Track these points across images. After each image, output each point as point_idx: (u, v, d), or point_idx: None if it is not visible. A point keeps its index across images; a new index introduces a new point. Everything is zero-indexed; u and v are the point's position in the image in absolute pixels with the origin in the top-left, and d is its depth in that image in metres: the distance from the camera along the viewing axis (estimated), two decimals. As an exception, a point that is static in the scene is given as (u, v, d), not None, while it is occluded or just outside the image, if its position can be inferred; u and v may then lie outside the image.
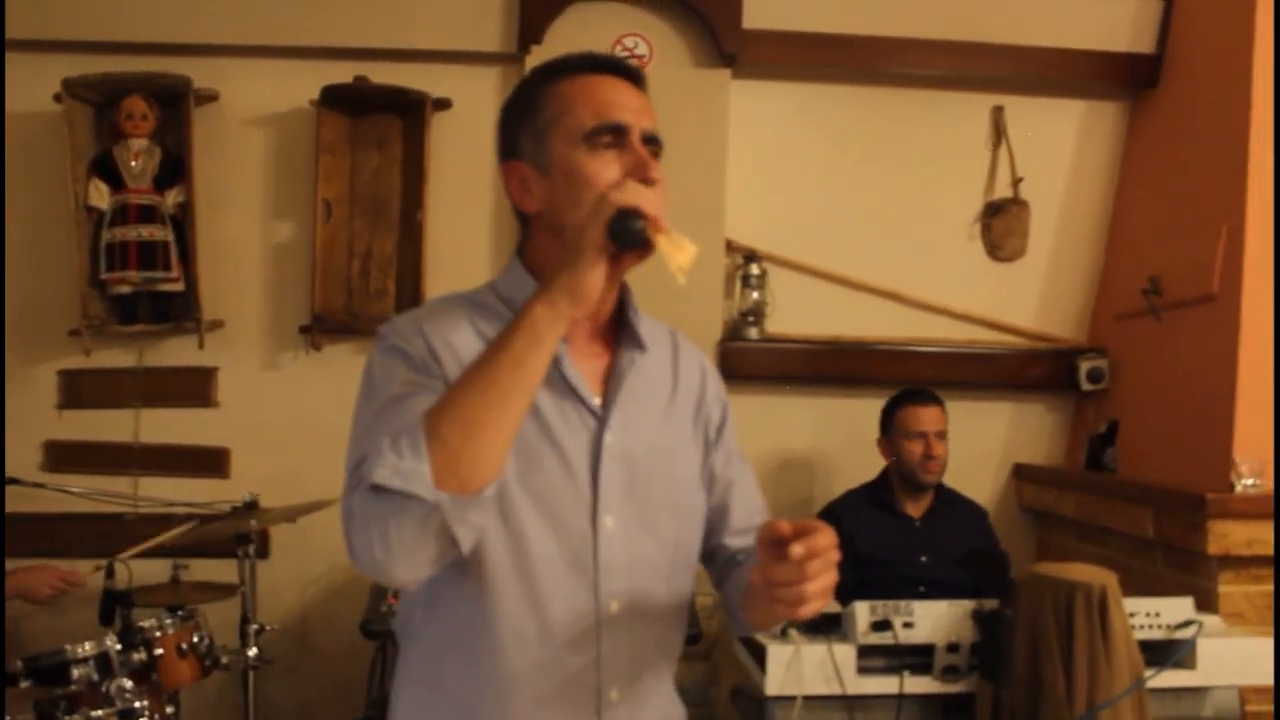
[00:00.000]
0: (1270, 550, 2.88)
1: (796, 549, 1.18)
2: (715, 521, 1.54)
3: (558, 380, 1.37)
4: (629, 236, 1.20)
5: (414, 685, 1.43)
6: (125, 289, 3.54)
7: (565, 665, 1.36)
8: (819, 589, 1.22)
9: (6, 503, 3.46)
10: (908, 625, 2.53)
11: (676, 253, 1.21)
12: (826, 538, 1.21)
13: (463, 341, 1.35)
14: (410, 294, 3.63)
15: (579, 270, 1.20)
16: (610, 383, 1.41)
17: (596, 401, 1.40)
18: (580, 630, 1.36)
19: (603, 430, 1.38)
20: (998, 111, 3.86)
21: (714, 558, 1.56)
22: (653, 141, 1.37)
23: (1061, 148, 3.90)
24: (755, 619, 1.48)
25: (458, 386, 1.20)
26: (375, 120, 3.69)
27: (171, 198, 3.54)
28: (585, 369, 1.41)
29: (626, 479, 1.39)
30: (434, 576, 1.25)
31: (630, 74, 1.41)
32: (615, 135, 1.34)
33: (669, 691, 1.52)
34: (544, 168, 1.37)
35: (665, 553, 1.44)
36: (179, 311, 3.59)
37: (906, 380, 3.55)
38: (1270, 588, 2.93)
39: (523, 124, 1.40)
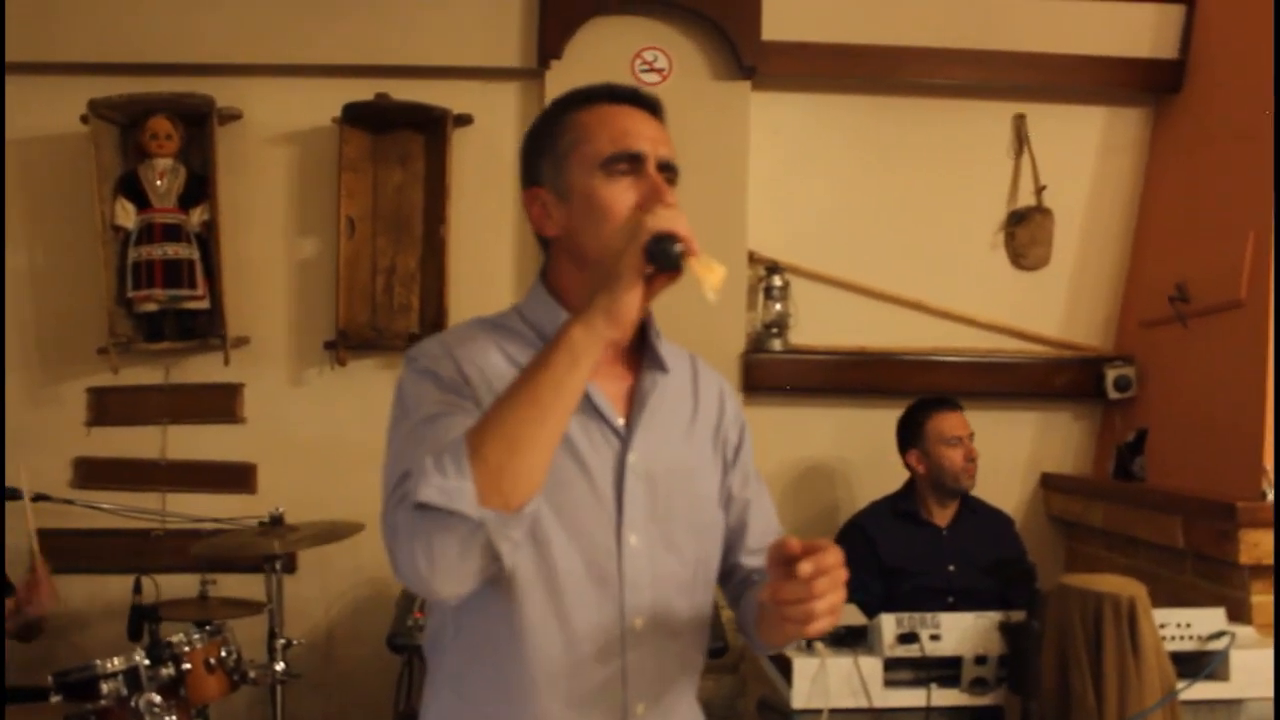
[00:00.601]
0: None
1: (805, 567, 1.22)
2: (732, 540, 1.57)
3: (583, 401, 1.38)
4: (666, 259, 1.23)
5: (443, 696, 1.44)
6: (151, 307, 3.57)
7: (592, 679, 1.38)
8: (827, 607, 1.24)
9: (38, 518, 3.49)
10: (934, 637, 2.51)
11: (708, 274, 1.24)
12: (834, 556, 1.24)
13: (491, 365, 1.38)
14: (434, 309, 3.65)
15: (617, 293, 1.23)
16: (633, 403, 1.45)
17: (620, 422, 1.43)
18: (606, 645, 1.38)
19: (626, 450, 1.41)
20: (1019, 119, 3.84)
21: (730, 577, 1.59)
22: (669, 169, 1.42)
23: (1084, 155, 3.88)
24: (768, 638, 1.50)
25: (499, 406, 1.23)
26: (397, 137, 3.71)
27: (196, 216, 3.57)
28: (609, 390, 1.44)
29: (649, 498, 1.41)
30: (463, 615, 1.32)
31: (647, 104, 1.45)
32: (631, 163, 1.38)
33: (693, 706, 1.53)
34: (563, 194, 1.41)
35: (687, 570, 1.47)
36: (204, 329, 3.62)
37: (931, 390, 3.54)
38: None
39: (543, 151, 1.44)
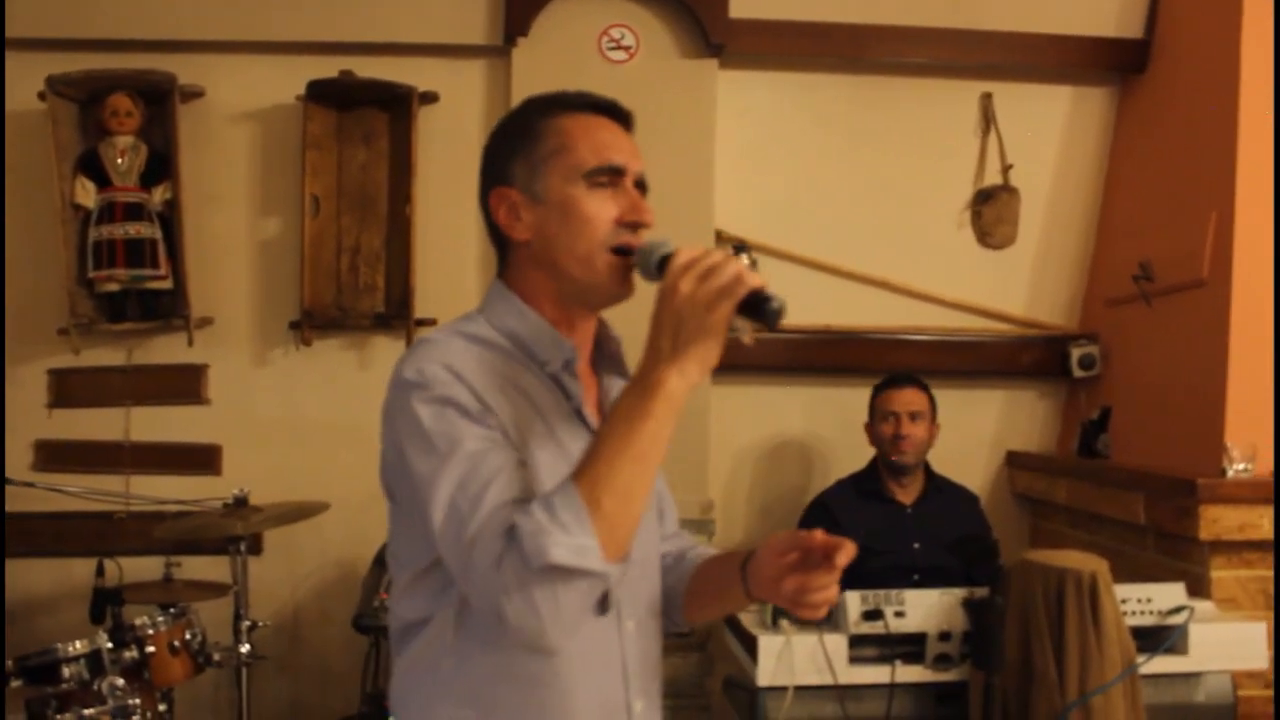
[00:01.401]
0: (1262, 535, 2.88)
1: (842, 559, 1.34)
2: None
3: (574, 418, 1.42)
4: (769, 315, 1.25)
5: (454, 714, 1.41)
6: (113, 287, 3.53)
7: (602, 688, 1.42)
8: (835, 593, 1.40)
9: (-2, 503, 3.46)
10: (899, 614, 2.53)
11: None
12: (852, 549, 1.34)
13: (497, 387, 1.36)
14: (399, 289, 3.62)
15: (710, 345, 1.24)
16: (603, 410, 1.48)
17: (596, 426, 1.43)
18: (608, 650, 1.43)
19: None
20: (986, 98, 3.85)
21: None
22: (641, 185, 1.44)
23: (1051, 134, 3.89)
24: (699, 615, 1.61)
25: (604, 456, 1.23)
26: (362, 114, 3.68)
27: (158, 195, 3.53)
28: (587, 399, 1.47)
29: None
30: (468, 619, 1.34)
31: (625, 118, 1.47)
32: (612, 176, 1.40)
33: (660, 686, 1.57)
34: (538, 197, 1.40)
35: (653, 561, 1.54)
36: (167, 309, 3.58)
37: (896, 368, 3.55)
38: (1262, 572, 2.93)
39: (517, 152, 1.43)
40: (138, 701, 2.79)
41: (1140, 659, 2.46)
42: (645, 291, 1.37)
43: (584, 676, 1.39)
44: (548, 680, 1.37)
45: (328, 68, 3.56)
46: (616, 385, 1.50)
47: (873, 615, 2.52)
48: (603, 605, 1.26)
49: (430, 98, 3.63)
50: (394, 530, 1.43)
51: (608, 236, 1.38)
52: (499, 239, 1.47)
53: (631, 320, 1.47)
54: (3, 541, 3.20)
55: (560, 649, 1.28)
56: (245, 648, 3.09)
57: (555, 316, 1.44)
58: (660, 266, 1.30)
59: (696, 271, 1.25)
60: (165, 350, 3.66)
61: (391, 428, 1.35)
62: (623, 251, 1.38)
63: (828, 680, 2.53)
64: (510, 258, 1.47)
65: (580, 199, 1.38)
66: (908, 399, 3.35)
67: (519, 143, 1.43)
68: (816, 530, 1.36)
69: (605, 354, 1.53)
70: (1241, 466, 2.92)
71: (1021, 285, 3.90)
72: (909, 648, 2.56)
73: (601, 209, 1.38)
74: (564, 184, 1.39)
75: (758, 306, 1.25)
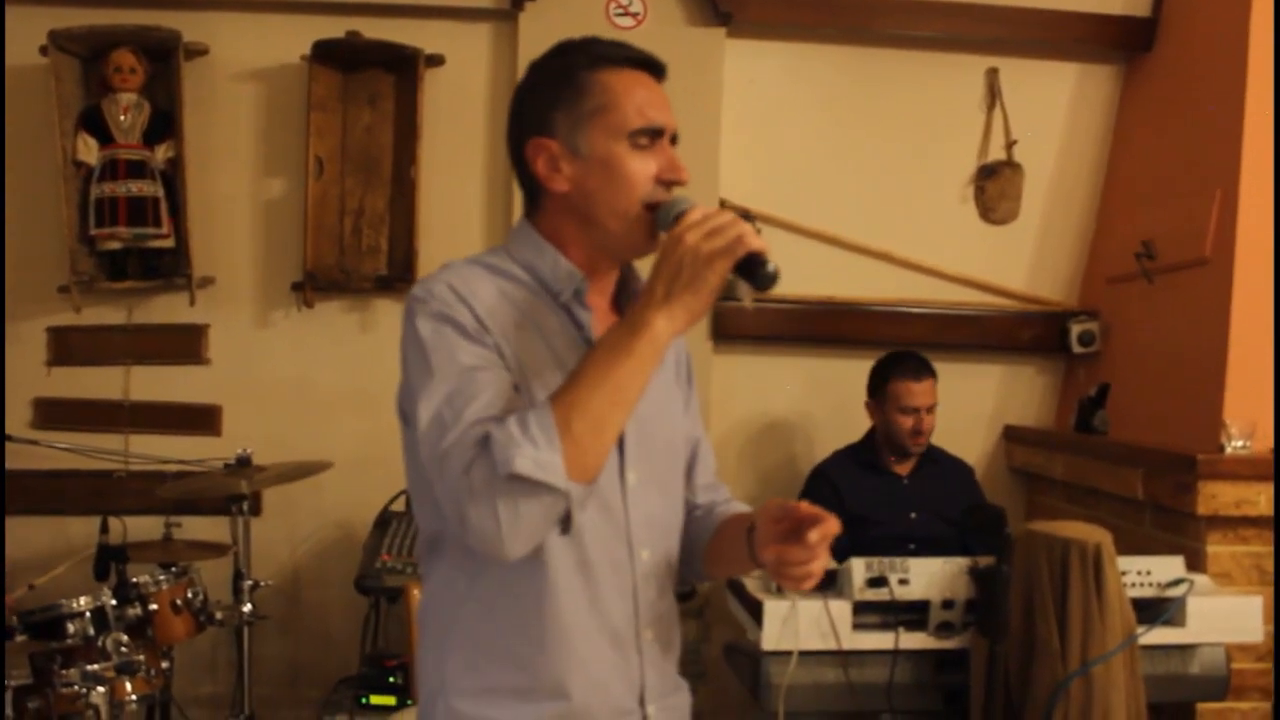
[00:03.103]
0: (1258, 511, 2.91)
1: (813, 536, 1.34)
2: (685, 476, 1.65)
3: (584, 348, 1.44)
4: (762, 279, 1.32)
5: (464, 649, 1.46)
6: (115, 245, 3.50)
7: (612, 615, 1.45)
8: (821, 568, 1.39)
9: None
10: (903, 582, 2.56)
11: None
12: (834, 525, 1.35)
13: (501, 312, 1.41)
14: (402, 251, 3.61)
15: (702, 296, 1.30)
16: None
17: None
18: (620, 582, 1.46)
19: None
20: (992, 74, 3.85)
21: None
22: (674, 141, 1.47)
23: (1055, 111, 3.89)
24: (717, 570, 1.65)
25: (583, 384, 1.29)
26: (367, 76, 3.65)
27: (161, 153, 3.50)
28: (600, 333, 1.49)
29: (640, 436, 1.47)
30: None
31: (662, 72, 1.50)
32: (652, 136, 1.43)
33: (678, 625, 1.61)
34: (579, 151, 1.43)
35: (669, 501, 1.57)
36: (169, 268, 3.56)
37: (897, 342, 3.57)
38: (1258, 548, 2.97)
39: (559, 103, 1.45)
40: (141, 658, 2.81)
41: (1140, 630, 2.50)
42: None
43: (583, 598, 1.43)
44: (544, 598, 1.41)
45: (334, 28, 3.52)
46: None
47: (877, 582, 2.54)
48: (564, 525, 1.31)
49: (436, 61, 3.61)
50: (407, 454, 1.47)
51: (646, 194, 1.42)
52: (530, 185, 1.49)
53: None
54: (2, 499, 3.19)
55: (513, 557, 1.30)
56: (247, 607, 3.10)
57: (578, 260, 1.47)
58: (676, 221, 1.35)
59: (704, 227, 1.31)
60: (166, 310, 3.64)
61: (401, 344, 1.42)
62: (655, 208, 1.42)
63: (831, 646, 2.55)
64: (542, 204, 1.50)
65: (624, 158, 1.41)
66: (926, 391, 3.35)
67: (561, 94, 1.45)
68: (803, 502, 1.39)
69: (630, 294, 1.55)
70: (1240, 443, 2.95)
71: (1023, 261, 3.92)
72: (912, 615, 2.59)
73: (643, 168, 1.42)
74: (608, 141, 1.42)
75: (754, 269, 1.32)
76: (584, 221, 1.45)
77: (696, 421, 1.69)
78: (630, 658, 1.47)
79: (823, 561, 1.38)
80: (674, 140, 1.47)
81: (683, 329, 1.33)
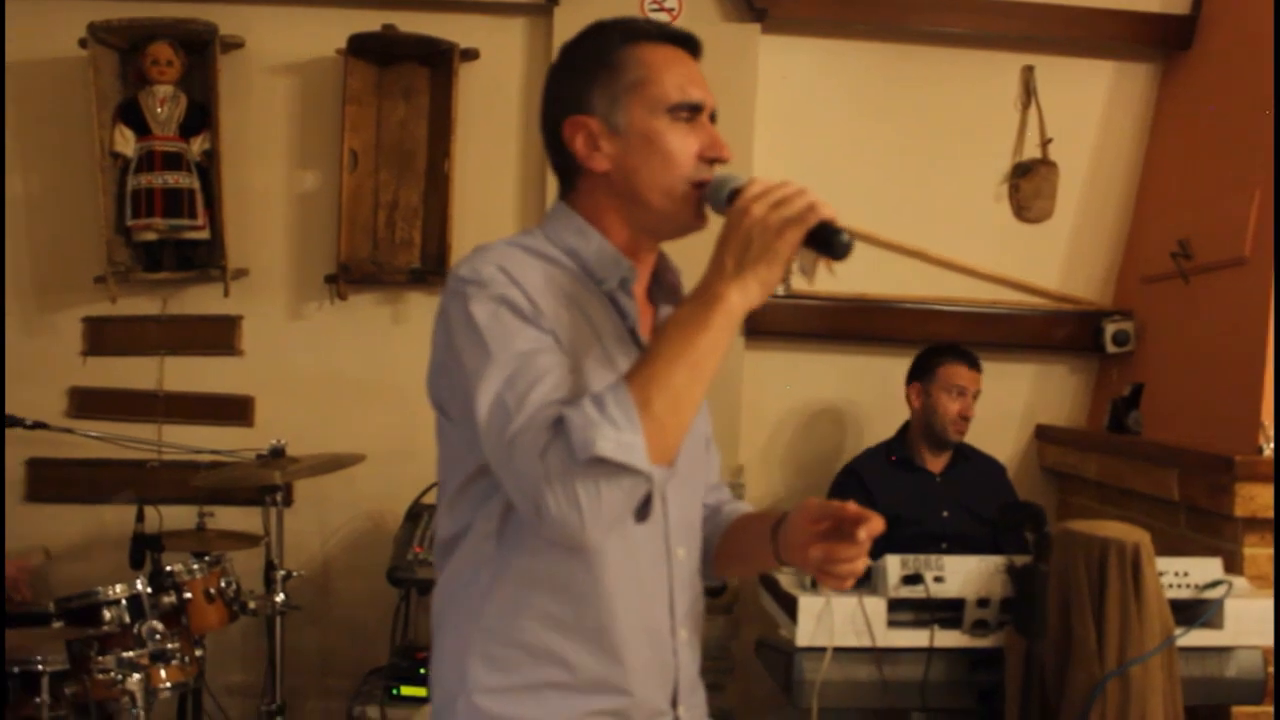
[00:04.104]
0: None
1: (863, 534, 1.34)
2: None
3: (628, 338, 1.43)
4: (837, 247, 1.29)
5: (488, 644, 1.40)
6: (150, 236, 3.53)
7: (646, 610, 1.43)
8: (863, 566, 1.40)
9: (33, 447, 3.49)
10: (938, 579, 2.55)
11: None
12: (880, 524, 1.35)
13: (549, 295, 1.36)
14: (436, 245, 3.62)
15: (776, 267, 1.27)
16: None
17: None
18: (655, 572, 1.44)
19: None
20: (1028, 71, 3.82)
21: None
22: (713, 119, 1.46)
23: (1091, 109, 3.86)
24: (729, 570, 1.65)
25: (662, 361, 1.24)
26: (402, 70, 3.66)
27: (197, 145, 3.53)
28: (644, 326, 1.48)
29: None
30: (509, 529, 1.36)
31: (697, 50, 1.49)
32: (692, 112, 1.41)
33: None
34: (618, 129, 1.41)
35: (696, 499, 1.56)
36: (204, 259, 3.58)
37: (929, 339, 3.55)
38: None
39: (597, 81, 1.43)
40: (176, 646, 2.82)
41: (1178, 631, 2.48)
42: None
43: (628, 595, 1.39)
44: (590, 594, 1.38)
45: (369, 21, 3.53)
46: (667, 312, 1.50)
47: (912, 580, 2.53)
48: (644, 511, 1.25)
49: (471, 55, 3.62)
50: (441, 444, 1.44)
51: (692, 171, 1.40)
52: (566, 165, 1.47)
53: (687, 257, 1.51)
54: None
55: (590, 543, 1.27)
56: (280, 597, 3.11)
57: (620, 242, 1.45)
58: (731, 199, 1.32)
59: (770, 198, 1.28)
60: (200, 301, 3.66)
61: (444, 328, 1.36)
62: (702, 185, 1.40)
63: (866, 643, 2.54)
64: (579, 184, 1.47)
65: (664, 133, 1.40)
66: (977, 381, 3.36)
67: (597, 71, 1.43)
68: (849, 501, 1.37)
69: (663, 284, 1.54)
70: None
71: (1057, 260, 3.89)
72: (947, 613, 2.58)
73: (685, 144, 1.40)
74: (647, 117, 1.40)
75: (827, 237, 1.28)
76: (627, 201, 1.43)
77: (707, 420, 1.65)
78: (666, 657, 1.45)
79: (864, 560, 1.39)
80: (713, 118, 1.45)
81: (756, 302, 1.28)
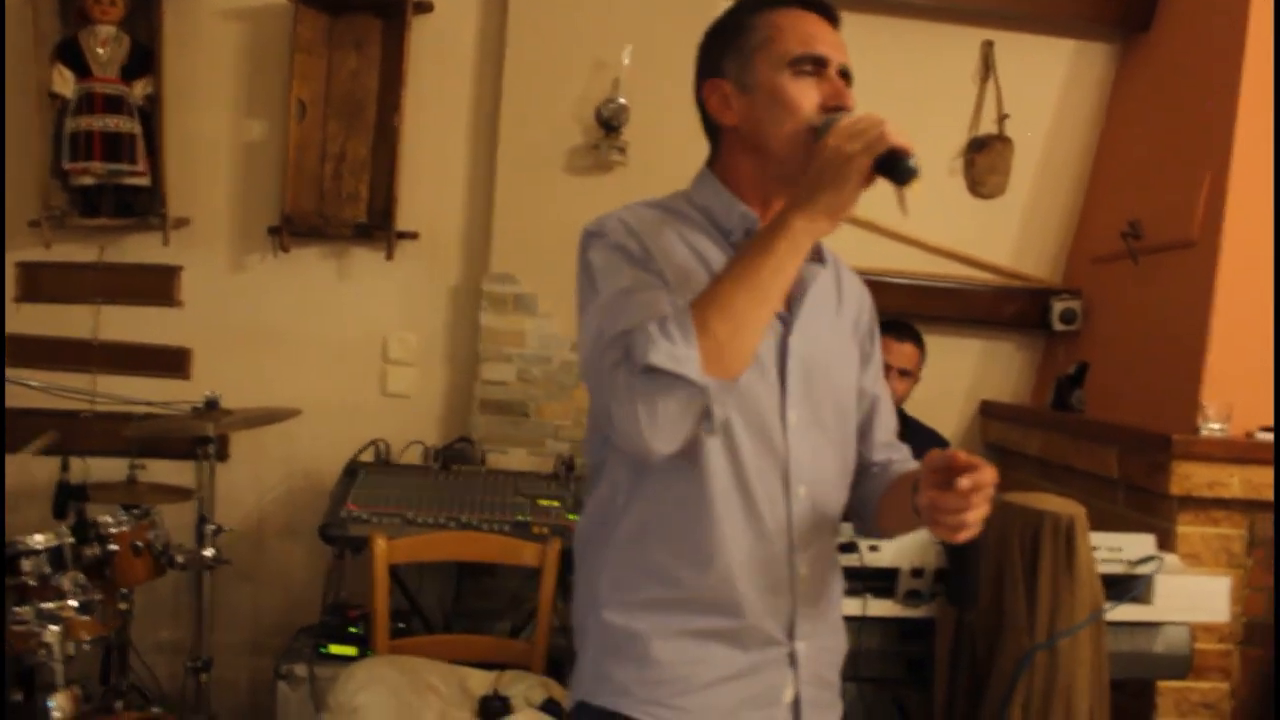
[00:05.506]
0: (1230, 493, 2.91)
1: (964, 482, 1.32)
2: (861, 432, 1.68)
3: None
4: (901, 173, 1.33)
5: (613, 562, 1.51)
6: (88, 180, 3.43)
7: (766, 541, 1.48)
8: (976, 518, 1.37)
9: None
10: (873, 548, 2.53)
11: (911, 190, 1.36)
12: (990, 474, 1.34)
13: (672, 247, 1.47)
14: (383, 199, 3.55)
15: (844, 193, 1.33)
16: (794, 292, 1.52)
17: (783, 310, 1.51)
18: (775, 512, 1.49)
19: (788, 333, 1.51)
20: (988, 46, 3.80)
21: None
22: (846, 75, 1.51)
23: (1049, 87, 3.85)
24: (888, 526, 1.67)
25: (723, 282, 1.34)
26: (354, 20, 3.58)
27: (139, 89, 3.43)
28: None
29: (805, 378, 1.52)
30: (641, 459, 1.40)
31: (832, 15, 1.55)
32: (816, 65, 1.48)
33: (838, 567, 1.65)
34: (746, 86, 1.50)
35: (836, 448, 1.58)
36: (144, 207, 3.49)
37: (879, 312, 3.52)
38: (1227, 530, 2.97)
39: (729, 45, 1.52)
40: (99, 597, 2.75)
41: (1107, 605, 2.48)
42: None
43: (737, 523, 1.45)
44: (701, 519, 1.44)
45: (321, -31, 3.46)
46: (815, 273, 1.55)
47: (847, 548, 2.51)
48: (709, 424, 1.32)
49: (425, 7, 3.55)
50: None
51: (809, 117, 1.45)
52: (711, 129, 1.57)
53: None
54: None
55: (661, 454, 1.33)
56: (209, 551, 3.05)
57: (754, 195, 1.52)
58: (821, 134, 1.38)
59: (848, 130, 1.35)
60: (139, 249, 3.57)
61: (577, 281, 1.49)
62: (817, 130, 1.43)
63: (797, 610, 2.52)
64: (719, 145, 1.56)
65: (785, 85, 1.47)
66: (905, 354, 3.31)
67: (731, 37, 1.52)
68: (961, 451, 1.37)
69: None
70: (1216, 426, 2.94)
71: (1008, 236, 3.89)
72: (881, 582, 2.57)
73: (805, 94, 1.46)
74: (771, 72, 1.48)
75: (894, 164, 1.33)
76: (754, 151, 1.50)
77: (878, 379, 1.71)
78: (781, 589, 1.49)
79: (979, 511, 1.36)
80: (846, 76, 1.50)
81: (825, 229, 1.35)
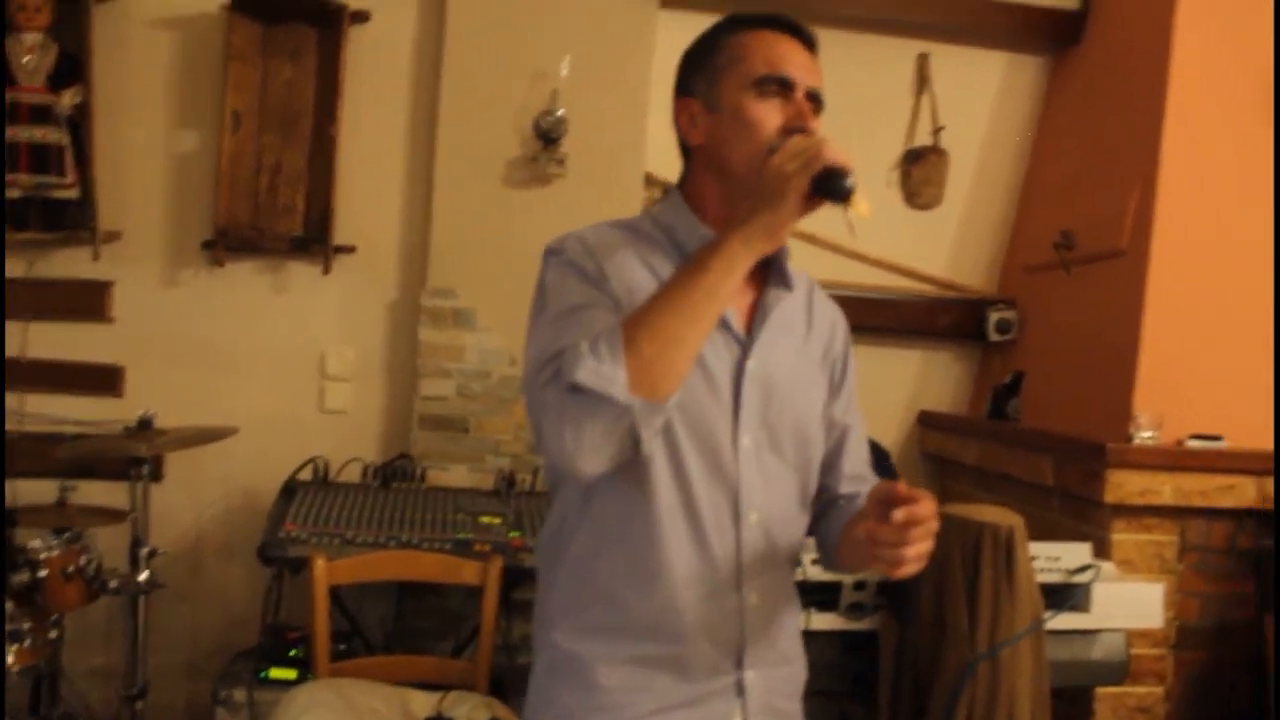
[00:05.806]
0: (1161, 500, 2.97)
1: (898, 515, 1.30)
2: (829, 462, 1.66)
3: None
4: (836, 192, 1.33)
5: (564, 582, 1.52)
6: (15, 193, 3.34)
7: (713, 566, 1.47)
8: (915, 554, 1.34)
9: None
10: (815, 561, 2.54)
11: (859, 209, 1.35)
12: (928, 507, 1.32)
13: (629, 268, 1.47)
14: (319, 211, 3.51)
15: (780, 213, 1.33)
16: (755, 316, 1.53)
17: (741, 331, 1.51)
18: (723, 538, 1.47)
19: (745, 356, 1.50)
20: (923, 58, 3.86)
21: (818, 497, 1.66)
22: (815, 99, 1.51)
23: (983, 99, 3.92)
24: (848, 562, 1.64)
25: (655, 302, 1.33)
26: (289, 29, 3.53)
27: (67, 98, 3.34)
28: (734, 303, 1.51)
29: (763, 403, 1.50)
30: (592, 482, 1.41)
31: (805, 37, 1.55)
32: (782, 86, 1.47)
33: (793, 595, 1.63)
34: (713, 106, 1.51)
35: (794, 475, 1.56)
36: (73, 220, 3.40)
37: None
38: (1159, 537, 3.03)
39: (700, 65, 1.54)
40: (28, 625, 2.69)
41: (1047, 614, 2.52)
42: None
43: (683, 547, 1.45)
44: (646, 543, 1.44)
45: (255, -23, 3.41)
46: (780, 297, 1.55)
47: (790, 562, 2.53)
48: (637, 445, 1.31)
49: (362, 17, 3.51)
50: None
51: (772, 141, 1.44)
52: (682, 148, 1.58)
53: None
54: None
55: (589, 475, 1.34)
56: (143, 575, 2.98)
57: (718, 219, 1.49)
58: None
59: (790, 149, 1.35)
60: (68, 264, 3.48)
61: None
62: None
63: (742, 625, 2.53)
64: (688, 165, 1.58)
65: (748, 105, 1.47)
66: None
67: (703, 57, 1.54)
68: (900, 483, 1.36)
69: (774, 264, 1.55)
70: (1148, 434, 3.00)
71: (944, 247, 3.94)
72: (823, 595, 2.58)
73: (768, 115, 1.46)
74: (736, 92, 1.48)
75: (830, 182, 1.32)
76: (718, 172, 1.50)
77: (849, 409, 1.69)
78: (729, 617, 1.48)
79: (917, 549, 1.33)
80: (815, 100, 1.49)
81: (762, 249, 1.34)
